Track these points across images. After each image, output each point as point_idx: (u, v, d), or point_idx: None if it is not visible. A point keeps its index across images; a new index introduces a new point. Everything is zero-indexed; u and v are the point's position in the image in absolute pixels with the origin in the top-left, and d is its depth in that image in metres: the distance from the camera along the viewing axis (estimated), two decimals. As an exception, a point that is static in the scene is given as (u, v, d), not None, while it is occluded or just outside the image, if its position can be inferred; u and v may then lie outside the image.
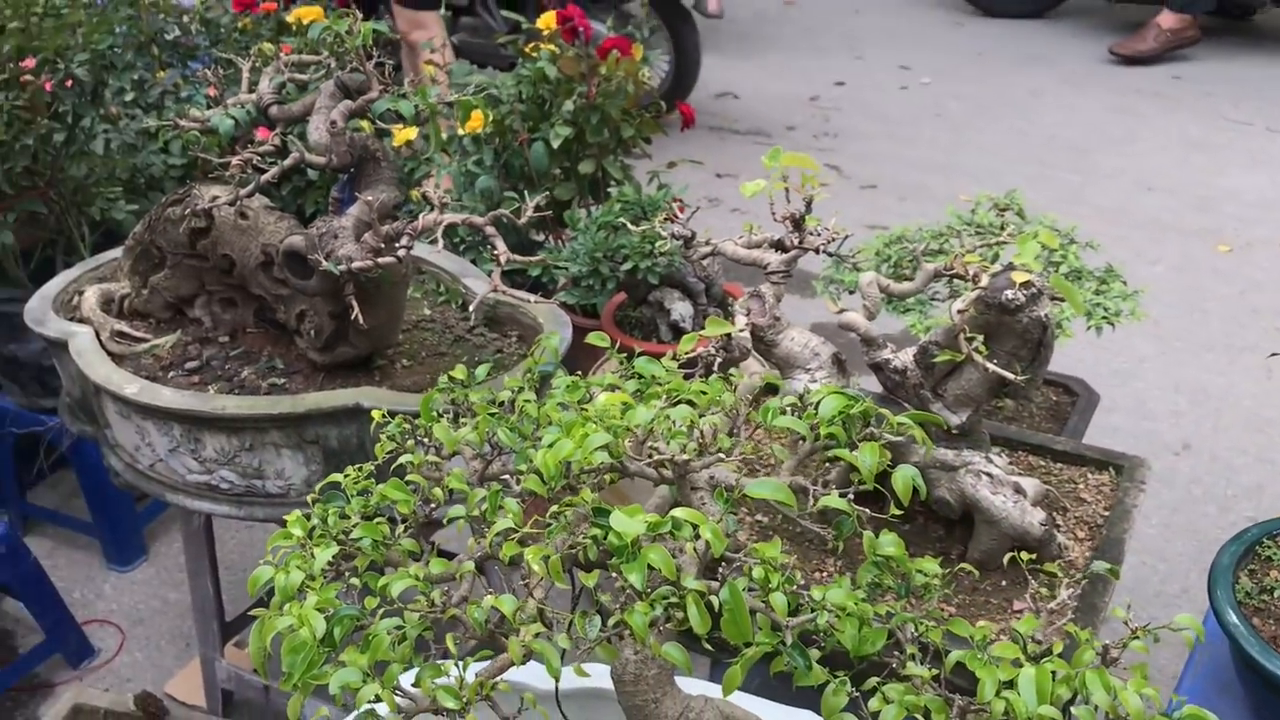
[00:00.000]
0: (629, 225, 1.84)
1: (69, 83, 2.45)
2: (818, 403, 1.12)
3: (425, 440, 1.28)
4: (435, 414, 1.30)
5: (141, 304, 2.07)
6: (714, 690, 1.15)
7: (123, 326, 2.01)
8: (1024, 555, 1.21)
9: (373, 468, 1.23)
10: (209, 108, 1.93)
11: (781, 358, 1.49)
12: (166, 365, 1.95)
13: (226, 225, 1.91)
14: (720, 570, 1.04)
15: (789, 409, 1.15)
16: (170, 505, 2.01)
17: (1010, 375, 1.36)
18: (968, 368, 1.45)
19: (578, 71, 2.59)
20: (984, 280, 1.38)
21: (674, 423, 1.13)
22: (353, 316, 1.70)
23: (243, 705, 2.45)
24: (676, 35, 5.16)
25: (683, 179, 2.82)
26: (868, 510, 1.10)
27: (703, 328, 1.33)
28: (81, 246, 2.61)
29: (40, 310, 2.02)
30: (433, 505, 1.20)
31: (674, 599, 0.97)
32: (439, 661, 1.00)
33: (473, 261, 2.39)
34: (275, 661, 1.01)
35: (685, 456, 1.12)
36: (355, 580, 1.09)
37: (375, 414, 1.31)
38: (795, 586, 1.02)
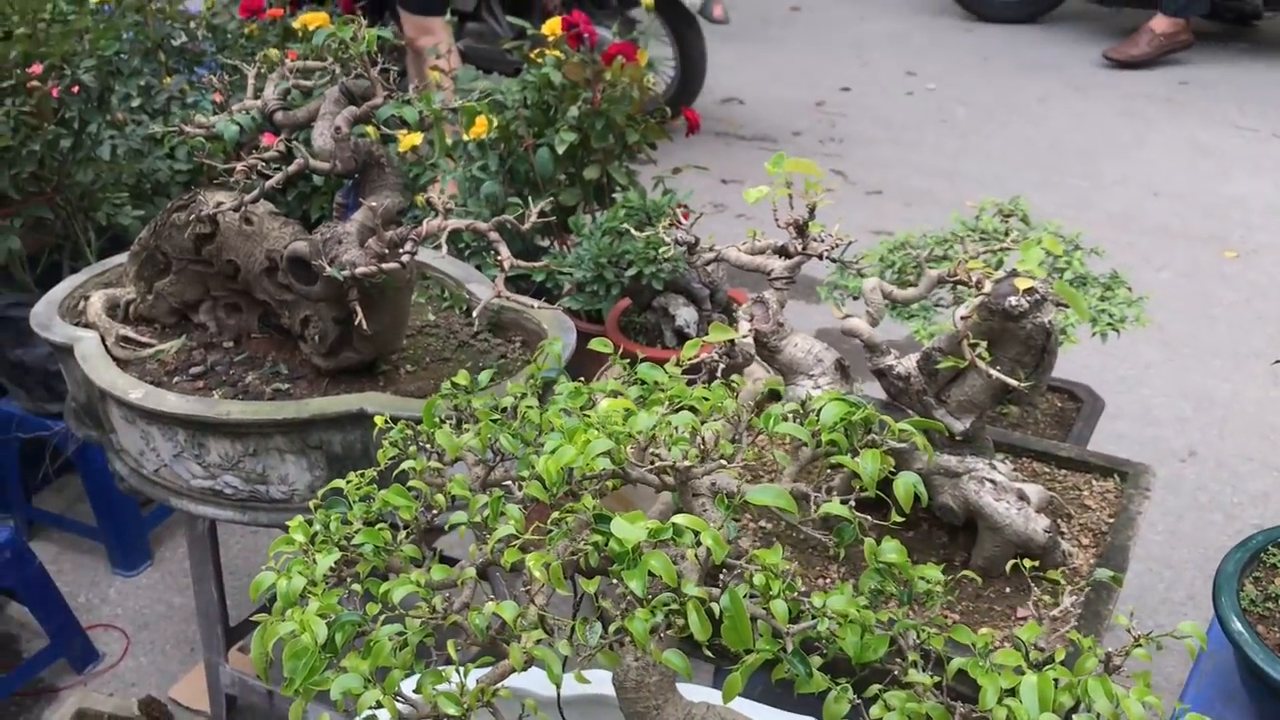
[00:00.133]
0: (633, 231, 1.84)
1: (76, 89, 2.46)
2: (820, 409, 1.12)
3: (428, 446, 1.28)
4: (438, 420, 1.30)
5: (147, 309, 2.07)
6: (716, 697, 1.15)
7: (128, 331, 2.01)
8: (1027, 562, 1.21)
9: (375, 473, 1.23)
10: (215, 114, 1.93)
11: (785, 364, 1.49)
12: (171, 370, 1.95)
13: (231, 231, 1.92)
14: (721, 577, 1.04)
15: (791, 415, 1.15)
16: (175, 510, 2.02)
17: (1014, 382, 1.36)
18: (971, 374, 1.44)
19: (583, 77, 2.60)
20: (988, 287, 1.38)
21: (676, 429, 1.13)
22: (357, 322, 1.71)
23: (247, 710, 2.45)
24: (682, 41, 5.17)
25: (688, 185, 2.82)
26: (870, 517, 1.10)
27: (707, 333, 1.33)
28: (88, 252, 2.62)
29: (46, 315, 2.03)
30: (435, 511, 1.20)
31: (675, 606, 0.97)
32: (440, 668, 1.00)
33: (477, 267, 2.39)
34: (278, 667, 1.01)
35: (687, 463, 1.12)
36: (357, 586, 1.10)
37: (378, 419, 1.31)
38: (796, 593, 1.02)
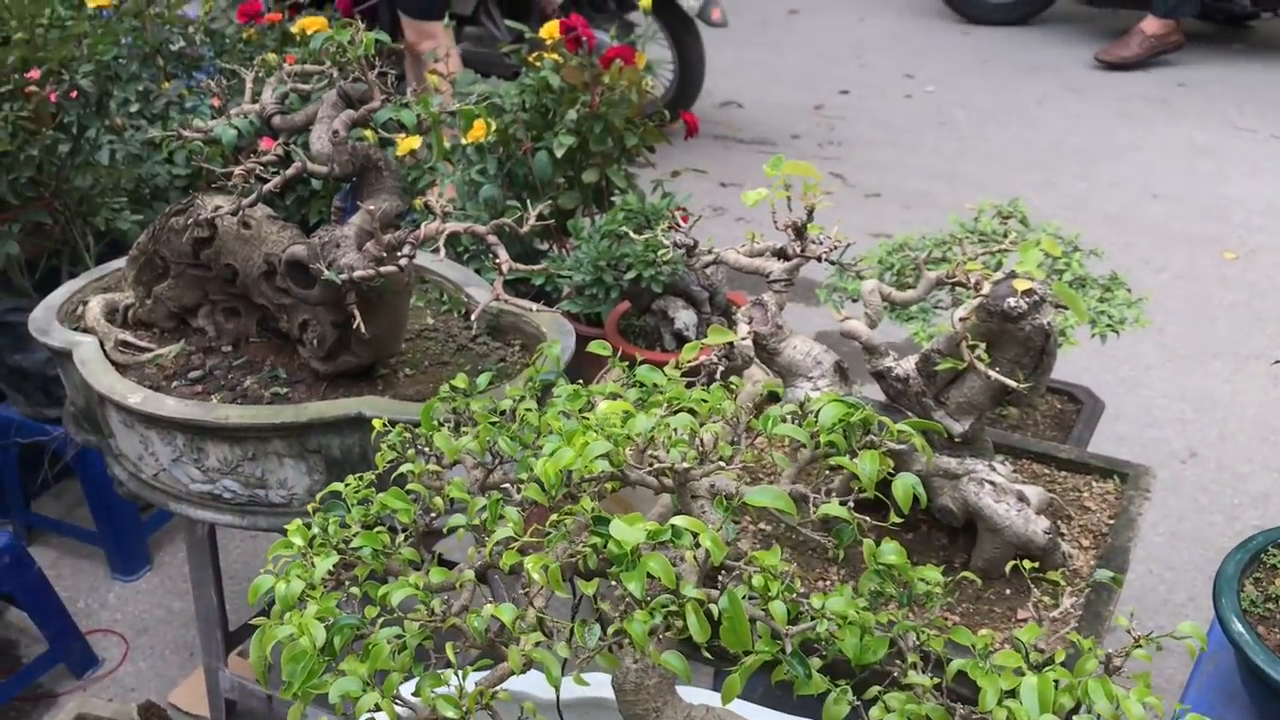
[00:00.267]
0: (632, 234, 1.84)
1: (74, 94, 2.46)
2: (818, 410, 1.12)
3: (426, 449, 1.28)
4: (436, 423, 1.30)
5: (145, 314, 2.07)
6: (716, 699, 1.15)
7: (127, 336, 2.01)
8: (1027, 564, 1.21)
9: (373, 477, 1.23)
10: (213, 118, 1.93)
11: (784, 366, 1.48)
12: (170, 375, 1.95)
13: (229, 235, 1.92)
14: (720, 578, 1.04)
15: (790, 417, 1.15)
16: (174, 515, 2.02)
17: (1012, 383, 1.36)
18: (970, 375, 1.44)
19: (581, 80, 2.60)
20: (986, 288, 1.38)
21: (675, 431, 1.12)
22: (355, 325, 1.70)
23: (246, 715, 2.45)
24: (680, 44, 5.17)
25: (687, 188, 2.82)
26: (869, 519, 1.10)
27: (706, 336, 1.33)
28: (86, 257, 2.62)
29: (45, 320, 2.03)
30: (433, 514, 1.20)
31: (674, 607, 0.97)
32: (439, 671, 1.00)
33: (476, 270, 2.39)
34: (276, 671, 1.01)
35: (686, 465, 1.12)
36: (355, 589, 1.09)
37: (376, 423, 1.31)
38: (795, 595, 1.02)
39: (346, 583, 1.11)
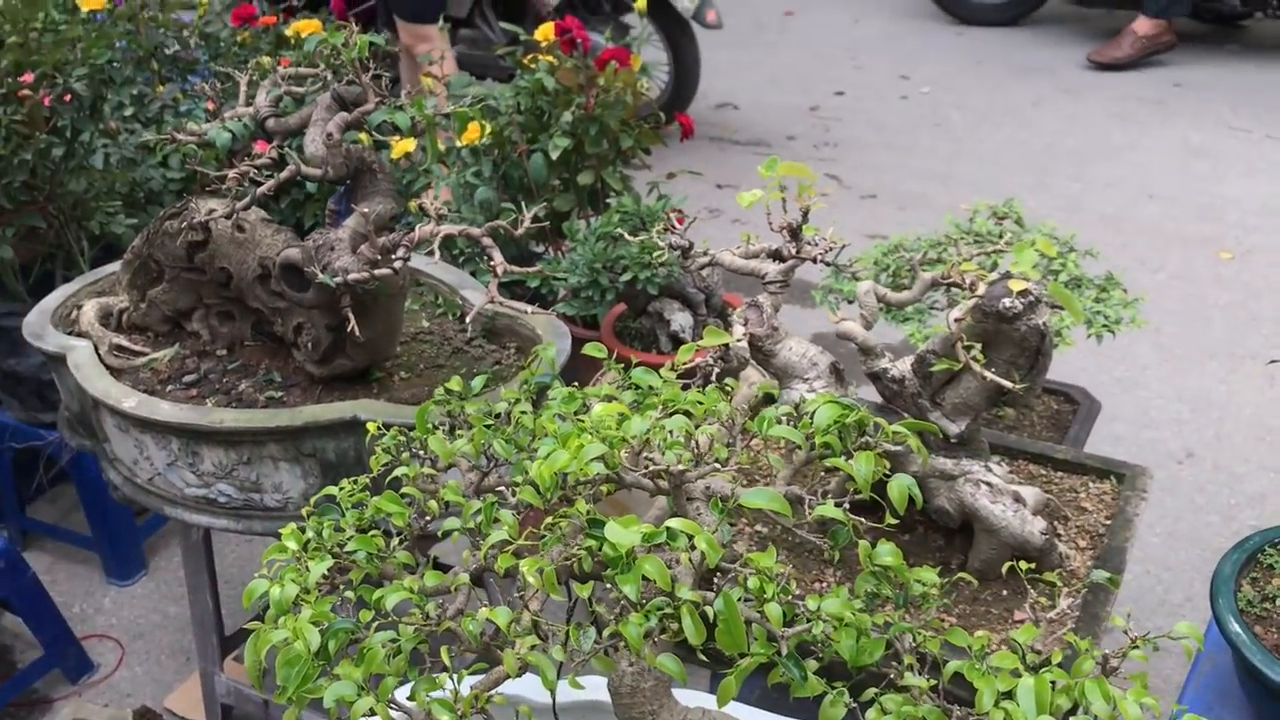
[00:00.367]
0: (628, 236, 1.84)
1: (68, 97, 2.45)
2: (814, 412, 1.12)
3: (421, 452, 1.27)
4: (431, 426, 1.30)
5: (140, 318, 2.07)
6: (712, 701, 1.15)
7: (121, 340, 2.01)
8: (1024, 564, 1.21)
9: (368, 480, 1.22)
10: (207, 121, 1.93)
11: (780, 368, 1.48)
12: (164, 379, 1.95)
13: (224, 238, 1.91)
14: (716, 581, 1.04)
15: (785, 418, 1.14)
16: (169, 519, 2.01)
17: (1008, 383, 1.36)
18: (966, 376, 1.44)
19: (576, 83, 2.59)
20: (981, 289, 1.37)
21: (670, 433, 1.12)
22: (350, 329, 1.70)
23: (242, 720, 2.44)
24: (675, 46, 5.17)
25: (683, 190, 2.82)
26: (865, 520, 1.09)
27: (702, 338, 1.33)
28: (80, 261, 2.62)
29: (39, 324, 2.02)
30: (428, 517, 1.20)
31: (669, 610, 0.97)
32: (434, 675, 1.00)
33: (472, 273, 2.38)
34: (271, 675, 1.01)
35: (681, 467, 1.12)
36: (350, 593, 1.09)
37: (371, 426, 1.31)
38: (791, 597, 1.02)
39: (341, 587, 1.10)
